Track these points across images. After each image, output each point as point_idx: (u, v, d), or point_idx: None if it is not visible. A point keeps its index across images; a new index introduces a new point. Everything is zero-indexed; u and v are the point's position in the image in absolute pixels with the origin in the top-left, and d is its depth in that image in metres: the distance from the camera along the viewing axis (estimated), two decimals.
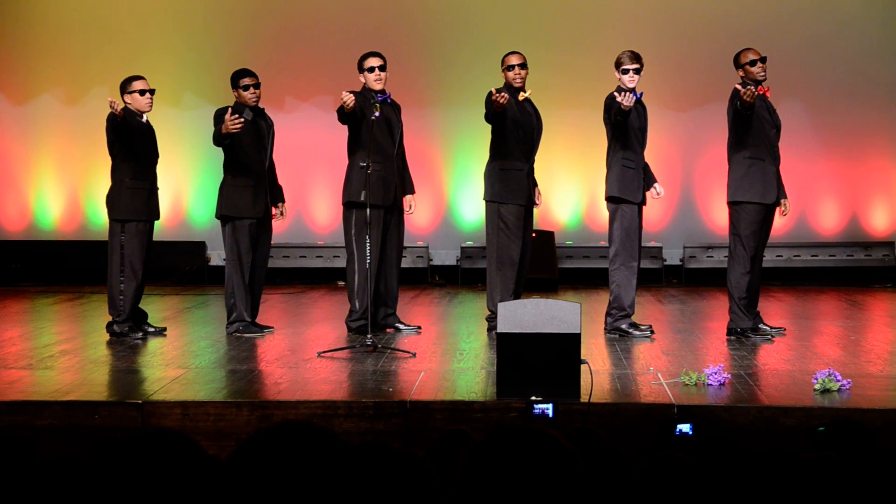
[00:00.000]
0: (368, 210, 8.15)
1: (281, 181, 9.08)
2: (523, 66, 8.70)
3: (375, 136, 8.35)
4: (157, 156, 8.80)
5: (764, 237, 8.55)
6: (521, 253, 8.71)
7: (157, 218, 8.79)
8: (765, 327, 8.60)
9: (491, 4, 12.97)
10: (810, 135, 12.69)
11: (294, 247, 12.95)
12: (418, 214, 12.21)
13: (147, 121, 8.74)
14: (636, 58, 8.58)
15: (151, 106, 8.72)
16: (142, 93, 8.66)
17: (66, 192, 13.21)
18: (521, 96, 8.67)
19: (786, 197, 8.60)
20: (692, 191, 12.92)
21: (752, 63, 8.42)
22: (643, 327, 8.61)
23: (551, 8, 12.93)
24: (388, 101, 8.72)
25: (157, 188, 8.77)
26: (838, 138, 12.88)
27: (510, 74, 8.72)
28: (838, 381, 6.43)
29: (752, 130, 8.37)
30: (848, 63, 12.84)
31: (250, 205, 8.65)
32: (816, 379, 6.45)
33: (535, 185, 8.88)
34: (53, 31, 13.12)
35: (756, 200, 8.37)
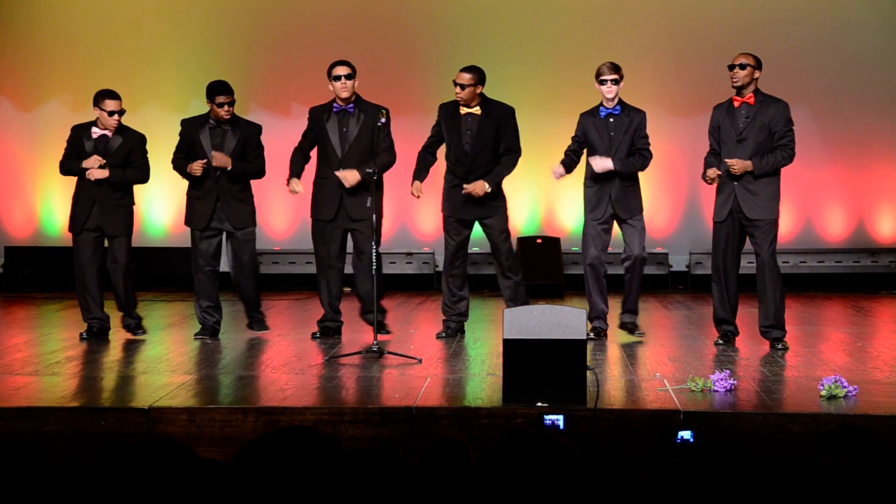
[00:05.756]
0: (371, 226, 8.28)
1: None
2: (462, 87, 8.73)
3: (324, 151, 8.88)
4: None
5: (733, 250, 8.46)
6: (456, 255, 8.93)
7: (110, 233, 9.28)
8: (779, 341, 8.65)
9: (495, 15, 12.97)
10: (816, 141, 12.65)
11: (300, 253, 12.95)
12: (423, 221, 12.23)
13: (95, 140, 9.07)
14: (615, 68, 8.61)
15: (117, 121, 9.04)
16: (110, 114, 9.00)
17: (71, 199, 13.19)
18: (464, 111, 8.83)
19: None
20: (698, 197, 12.88)
21: (730, 69, 8.39)
22: (591, 336, 8.60)
23: (555, 18, 12.93)
24: (350, 110, 8.84)
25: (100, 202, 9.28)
26: (844, 144, 12.85)
27: (456, 90, 8.80)
28: (845, 387, 6.43)
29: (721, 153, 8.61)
30: (854, 69, 12.82)
31: (191, 216, 8.99)
32: (823, 385, 6.45)
33: (483, 191, 8.80)
34: (61, 38, 13.14)
35: (714, 219, 8.58)
